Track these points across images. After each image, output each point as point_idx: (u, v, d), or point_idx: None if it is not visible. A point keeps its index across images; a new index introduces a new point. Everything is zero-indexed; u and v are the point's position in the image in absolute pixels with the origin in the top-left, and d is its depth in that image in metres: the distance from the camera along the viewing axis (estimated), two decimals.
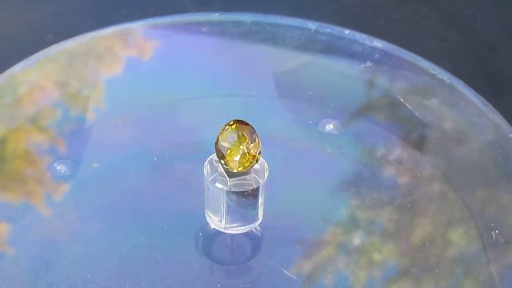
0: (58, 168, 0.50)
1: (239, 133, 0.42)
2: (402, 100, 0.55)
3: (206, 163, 0.44)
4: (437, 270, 0.45)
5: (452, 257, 0.46)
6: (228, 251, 0.46)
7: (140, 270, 0.45)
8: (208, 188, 0.44)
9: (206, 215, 0.45)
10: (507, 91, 0.90)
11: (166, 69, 0.58)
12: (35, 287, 0.44)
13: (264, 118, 0.54)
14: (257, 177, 0.43)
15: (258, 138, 0.42)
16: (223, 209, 0.43)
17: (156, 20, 0.59)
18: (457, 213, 0.48)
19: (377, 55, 0.55)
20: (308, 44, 0.57)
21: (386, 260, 0.46)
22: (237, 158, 0.42)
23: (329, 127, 0.53)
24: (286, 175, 0.50)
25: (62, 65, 0.57)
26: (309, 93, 0.56)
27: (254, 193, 0.43)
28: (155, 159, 0.51)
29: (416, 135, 0.53)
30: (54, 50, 0.57)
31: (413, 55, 0.56)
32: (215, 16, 0.59)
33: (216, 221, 0.45)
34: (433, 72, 0.56)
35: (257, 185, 0.43)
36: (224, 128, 0.42)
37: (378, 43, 0.56)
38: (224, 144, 0.42)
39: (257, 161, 0.42)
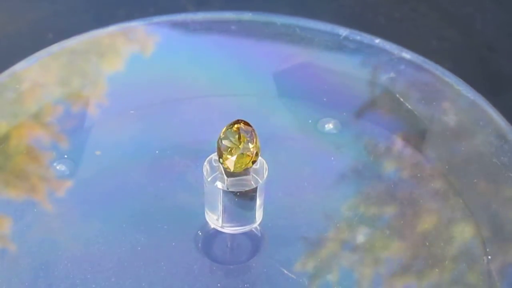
0: (58, 167, 0.50)
1: (239, 133, 0.42)
2: (401, 99, 0.55)
3: (205, 162, 0.44)
4: (439, 267, 0.45)
5: (454, 252, 0.46)
6: (228, 250, 0.46)
7: (140, 270, 0.45)
8: (206, 187, 0.44)
9: (206, 214, 0.45)
10: (507, 90, 0.90)
11: (167, 68, 0.58)
12: (35, 287, 0.44)
13: (263, 118, 0.54)
14: (256, 177, 0.43)
15: (257, 139, 0.42)
16: (220, 208, 0.44)
17: (186, 15, 0.59)
18: (458, 210, 0.48)
19: (402, 66, 0.55)
20: (331, 49, 0.57)
21: (385, 260, 0.46)
22: (234, 158, 0.42)
23: (329, 126, 0.53)
24: (285, 174, 0.50)
25: (64, 63, 0.57)
26: (309, 92, 0.56)
27: (252, 193, 0.43)
28: (157, 152, 0.51)
29: (416, 134, 0.53)
30: (56, 48, 0.57)
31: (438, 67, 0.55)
32: (247, 16, 0.58)
33: (214, 219, 0.45)
34: (434, 71, 0.56)
35: (255, 186, 0.43)
36: (227, 127, 0.42)
37: (407, 54, 0.55)
38: (223, 143, 0.42)
39: (253, 162, 0.42)
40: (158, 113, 0.54)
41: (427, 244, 0.46)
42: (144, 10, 0.95)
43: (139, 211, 0.48)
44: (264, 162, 0.44)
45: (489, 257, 0.45)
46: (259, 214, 0.45)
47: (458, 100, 0.54)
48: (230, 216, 0.44)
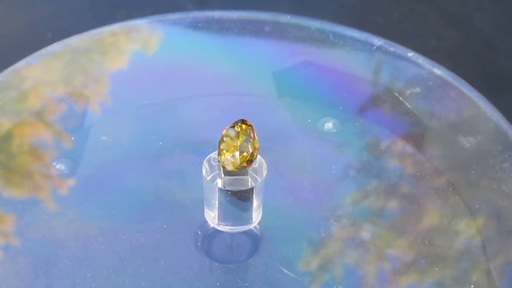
0: (57, 166, 0.50)
1: (239, 132, 0.42)
2: (401, 98, 0.55)
3: (205, 161, 0.44)
4: (438, 266, 0.45)
5: (457, 249, 0.46)
6: (227, 249, 0.46)
7: (139, 269, 0.45)
8: (205, 185, 0.44)
9: (205, 213, 0.45)
10: (506, 89, 0.90)
11: (167, 68, 0.58)
12: (34, 286, 0.44)
13: (263, 117, 0.54)
14: (255, 176, 0.43)
15: (255, 140, 0.42)
16: (216, 205, 0.44)
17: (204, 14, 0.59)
18: (458, 208, 0.48)
19: (430, 83, 0.54)
20: (358, 57, 0.57)
21: (385, 259, 0.46)
22: (229, 157, 0.42)
23: (328, 125, 0.53)
24: (285, 174, 0.50)
25: (66, 61, 0.57)
26: (308, 91, 0.56)
27: (247, 194, 0.43)
28: (161, 143, 0.51)
29: (415, 133, 0.53)
30: (57, 46, 0.57)
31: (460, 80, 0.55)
32: (285, 18, 0.58)
33: (211, 217, 0.45)
34: (432, 69, 0.56)
35: (252, 187, 0.43)
36: (229, 126, 0.42)
37: (438, 70, 0.55)
38: (223, 141, 0.42)
39: (249, 162, 0.42)
40: (158, 112, 0.54)
41: (427, 243, 0.46)
42: (143, 10, 0.95)
43: (139, 210, 0.48)
44: (264, 161, 0.44)
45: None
46: (258, 214, 0.45)
47: (457, 99, 0.54)
48: (226, 215, 0.44)
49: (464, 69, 0.88)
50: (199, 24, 0.59)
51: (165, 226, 0.47)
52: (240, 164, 0.42)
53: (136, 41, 0.59)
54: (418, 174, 0.50)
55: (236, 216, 0.44)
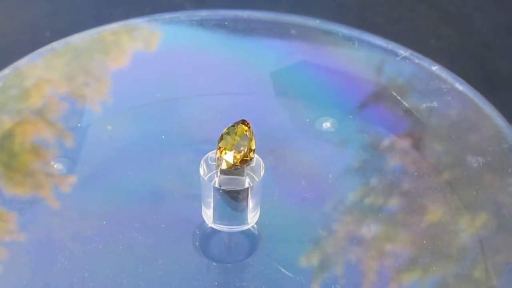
0: (55, 166, 0.50)
1: (236, 132, 0.42)
2: (399, 97, 0.55)
3: (202, 161, 0.44)
4: (436, 265, 0.45)
5: (456, 248, 0.46)
6: (225, 249, 0.46)
7: (137, 269, 0.45)
8: (202, 184, 0.44)
9: (203, 212, 0.45)
10: (505, 89, 0.90)
11: (167, 67, 0.58)
12: (32, 285, 0.44)
13: (261, 116, 0.54)
14: (253, 176, 0.43)
15: (251, 141, 0.42)
16: (212, 204, 0.44)
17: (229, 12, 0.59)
18: (456, 207, 0.48)
19: (449, 98, 0.54)
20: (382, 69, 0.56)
21: (385, 258, 0.46)
22: (225, 156, 0.42)
23: (326, 125, 0.53)
24: (283, 173, 0.50)
25: (68, 59, 0.57)
26: (306, 91, 0.56)
27: (240, 195, 0.43)
28: (163, 136, 0.51)
29: (414, 132, 0.53)
30: (59, 45, 0.57)
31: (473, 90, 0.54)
32: (313, 22, 0.58)
33: (208, 215, 0.45)
34: (431, 68, 0.56)
35: (247, 187, 0.43)
36: (230, 126, 0.42)
37: (460, 86, 0.54)
38: (221, 140, 0.42)
39: (242, 162, 0.42)
40: (157, 111, 0.55)
41: (425, 242, 0.46)
42: (142, 9, 0.95)
43: (137, 209, 0.48)
44: (261, 161, 0.44)
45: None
46: (255, 214, 0.45)
47: (456, 98, 0.54)
48: (220, 214, 0.44)
49: (462, 68, 0.88)
50: (200, 23, 0.59)
51: (163, 225, 0.47)
52: (233, 164, 0.42)
53: (137, 40, 0.59)
54: (416, 173, 0.50)
55: (231, 215, 0.44)
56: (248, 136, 0.42)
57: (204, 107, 0.55)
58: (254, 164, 0.44)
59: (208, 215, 0.45)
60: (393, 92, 0.55)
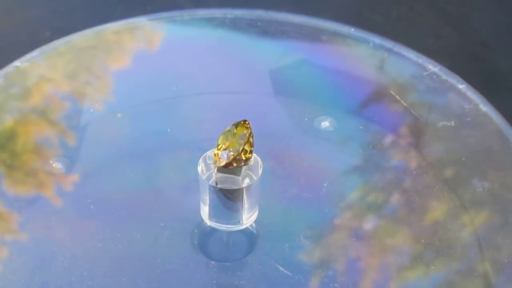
0: (54, 165, 0.50)
1: (235, 131, 0.42)
2: (397, 97, 0.55)
3: (200, 159, 0.44)
4: (435, 264, 0.45)
5: (463, 241, 0.46)
6: (223, 247, 0.46)
7: (136, 267, 0.45)
8: (200, 183, 0.44)
9: (201, 211, 0.45)
10: (503, 89, 0.90)
11: (168, 66, 0.58)
12: (31, 284, 0.44)
13: (260, 115, 0.54)
14: (251, 175, 0.43)
15: (248, 142, 0.42)
16: (208, 202, 0.44)
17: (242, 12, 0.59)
18: (454, 206, 0.48)
19: (468, 118, 0.53)
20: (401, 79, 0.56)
21: (384, 258, 0.46)
22: (220, 154, 0.42)
23: (325, 124, 0.53)
24: (281, 172, 0.50)
25: (69, 58, 0.57)
26: (305, 90, 0.56)
27: (234, 194, 0.43)
28: (169, 130, 0.51)
29: (412, 131, 0.53)
30: (60, 43, 0.57)
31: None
32: (346, 29, 0.58)
33: (204, 213, 0.45)
34: (428, 67, 0.56)
35: (242, 187, 0.43)
36: (231, 125, 0.43)
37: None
38: (220, 138, 0.42)
39: (237, 161, 0.42)
40: (156, 111, 0.55)
41: (423, 241, 0.46)
42: (141, 8, 0.95)
43: (135, 208, 0.48)
44: (259, 160, 0.44)
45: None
46: (253, 213, 0.45)
47: (455, 97, 0.54)
48: (215, 212, 0.44)
49: (461, 68, 0.88)
50: (201, 22, 0.59)
51: (161, 224, 0.47)
52: (228, 163, 0.42)
53: (139, 39, 0.59)
54: (414, 172, 0.50)
55: (226, 214, 0.44)
56: (246, 136, 0.42)
57: (204, 105, 0.55)
58: (252, 163, 0.44)
59: (205, 212, 0.45)
60: (392, 92, 0.55)
